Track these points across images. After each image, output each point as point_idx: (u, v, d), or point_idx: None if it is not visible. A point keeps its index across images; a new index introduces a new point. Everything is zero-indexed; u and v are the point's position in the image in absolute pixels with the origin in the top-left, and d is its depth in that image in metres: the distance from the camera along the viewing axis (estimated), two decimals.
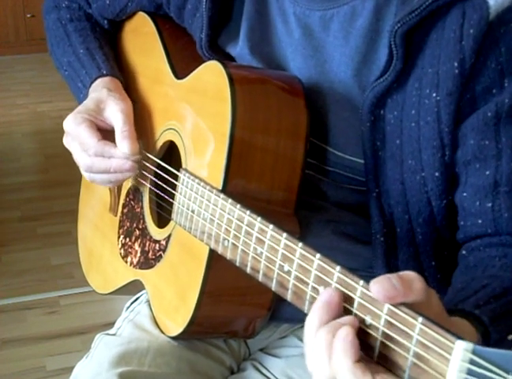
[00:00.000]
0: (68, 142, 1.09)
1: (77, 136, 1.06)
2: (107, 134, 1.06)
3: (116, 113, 1.07)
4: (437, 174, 0.88)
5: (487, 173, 0.85)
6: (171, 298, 1.01)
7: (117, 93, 1.11)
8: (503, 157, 0.85)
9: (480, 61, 0.84)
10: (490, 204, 0.86)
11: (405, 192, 0.90)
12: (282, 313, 1.01)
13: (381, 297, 0.60)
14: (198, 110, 0.99)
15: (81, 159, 1.07)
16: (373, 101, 0.88)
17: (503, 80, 0.84)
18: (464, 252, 0.90)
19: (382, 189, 0.92)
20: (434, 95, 0.86)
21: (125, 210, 1.16)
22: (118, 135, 1.05)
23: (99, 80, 1.13)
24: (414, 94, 0.87)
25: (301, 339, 0.68)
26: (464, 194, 0.88)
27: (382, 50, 0.90)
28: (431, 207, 0.90)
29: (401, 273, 0.62)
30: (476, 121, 0.85)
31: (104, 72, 1.14)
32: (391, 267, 0.93)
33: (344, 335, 0.61)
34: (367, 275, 0.92)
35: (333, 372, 0.61)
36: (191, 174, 0.96)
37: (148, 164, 1.09)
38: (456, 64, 0.84)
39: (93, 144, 1.04)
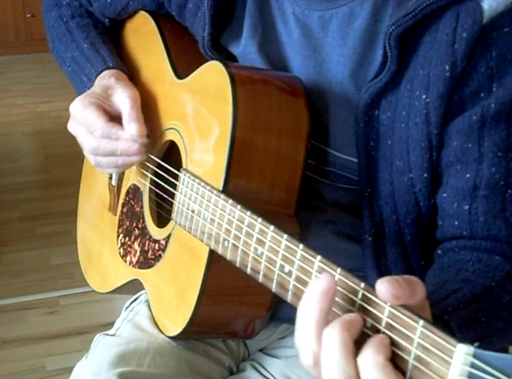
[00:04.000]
0: (73, 126, 1.07)
1: (83, 119, 1.05)
2: (113, 119, 1.05)
3: (124, 99, 1.06)
4: (425, 175, 0.88)
5: (468, 176, 0.86)
6: (170, 297, 1.01)
7: (124, 82, 1.10)
8: (485, 161, 0.85)
9: (471, 65, 0.84)
10: (467, 207, 0.86)
11: (394, 192, 0.91)
12: (281, 314, 1.01)
13: (388, 295, 0.60)
14: (199, 110, 0.99)
15: (87, 142, 1.05)
16: (367, 101, 0.89)
17: (492, 85, 0.84)
18: (439, 251, 0.91)
19: (374, 189, 0.92)
20: (423, 97, 0.86)
21: (124, 209, 1.16)
22: (126, 118, 1.04)
23: (105, 72, 1.13)
24: (406, 95, 0.87)
25: None
26: (444, 195, 0.88)
27: (378, 51, 0.90)
28: (419, 207, 0.90)
29: (406, 276, 0.62)
30: (461, 123, 0.86)
31: (110, 65, 1.14)
32: (381, 267, 0.93)
33: (382, 336, 0.60)
34: (364, 275, 0.93)
35: (355, 369, 0.60)
36: (192, 174, 0.96)
37: (148, 163, 1.09)
38: (447, 67, 0.84)
39: (100, 125, 1.03)
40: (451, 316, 0.72)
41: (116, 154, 1.03)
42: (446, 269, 0.86)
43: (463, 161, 0.86)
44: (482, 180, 0.85)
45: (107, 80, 1.10)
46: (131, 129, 1.03)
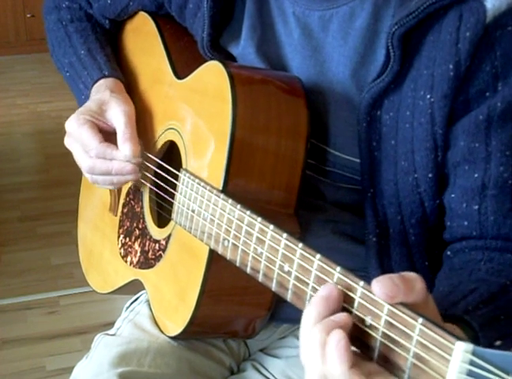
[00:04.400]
0: (69, 143, 1.09)
1: (79, 138, 1.06)
2: (108, 136, 1.06)
3: (118, 115, 1.07)
4: (430, 175, 0.88)
5: (476, 175, 0.86)
6: (170, 297, 1.01)
7: (119, 95, 1.11)
8: (492, 160, 0.85)
9: (475, 64, 0.84)
10: (476, 207, 0.86)
11: (398, 193, 0.91)
12: (282, 314, 1.01)
13: (383, 295, 0.60)
14: (199, 110, 0.99)
15: (83, 161, 1.07)
16: (369, 102, 0.89)
17: (497, 84, 0.84)
18: (448, 252, 0.90)
19: (377, 189, 0.92)
20: (428, 96, 0.86)
21: (125, 210, 1.16)
22: (120, 137, 1.05)
23: (101, 81, 1.13)
24: (409, 95, 0.87)
25: None
26: (452, 195, 0.88)
27: (379, 51, 0.90)
28: (424, 208, 0.90)
29: (403, 273, 0.62)
30: (468, 123, 0.85)
31: (106, 73, 1.14)
32: (385, 267, 0.93)
33: (337, 340, 0.60)
34: (365, 276, 0.93)
35: (325, 372, 0.61)
36: (191, 174, 0.96)
37: (148, 164, 1.09)
38: (451, 66, 0.84)
39: (95, 145, 1.04)
40: (472, 315, 0.72)
41: (111, 173, 1.05)
42: (457, 270, 0.86)
43: (470, 161, 0.86)
44: (490, 179, 0.85)
45: (102, 93, 1.10)
46: (125, 149, 1.04)
